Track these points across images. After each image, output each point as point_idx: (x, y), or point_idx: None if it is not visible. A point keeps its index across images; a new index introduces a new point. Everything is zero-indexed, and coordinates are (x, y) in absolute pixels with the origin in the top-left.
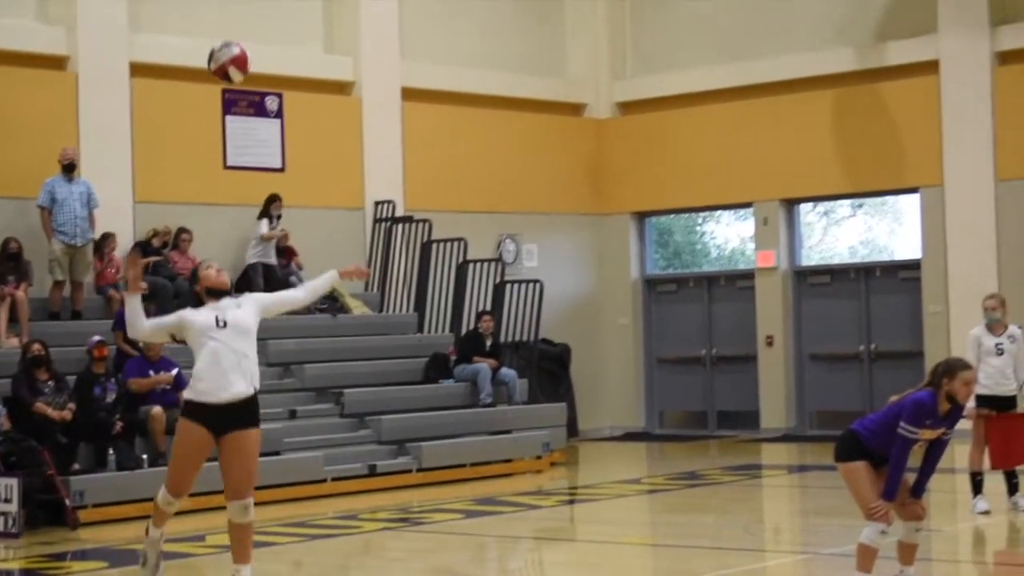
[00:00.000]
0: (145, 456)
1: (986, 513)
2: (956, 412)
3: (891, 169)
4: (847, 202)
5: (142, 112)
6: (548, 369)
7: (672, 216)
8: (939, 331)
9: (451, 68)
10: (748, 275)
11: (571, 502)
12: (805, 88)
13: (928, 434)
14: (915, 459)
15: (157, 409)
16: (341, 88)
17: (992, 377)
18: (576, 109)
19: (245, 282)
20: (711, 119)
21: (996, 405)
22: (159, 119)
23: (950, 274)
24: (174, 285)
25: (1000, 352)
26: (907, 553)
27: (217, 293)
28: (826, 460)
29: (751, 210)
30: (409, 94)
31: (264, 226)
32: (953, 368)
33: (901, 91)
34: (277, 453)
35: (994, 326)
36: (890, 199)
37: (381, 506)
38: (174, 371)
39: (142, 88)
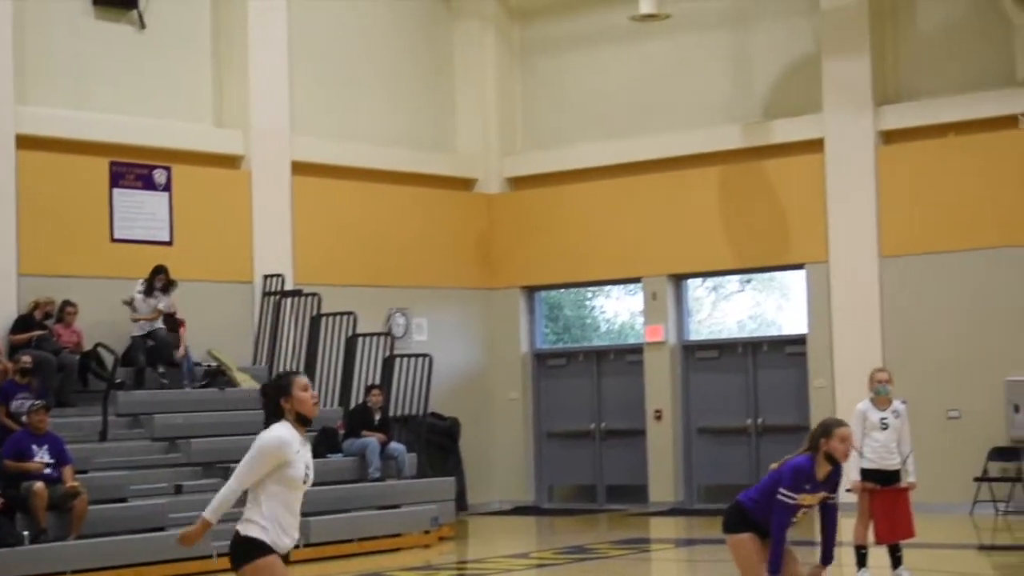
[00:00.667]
0: (26, 533)
1: None
2: (836, 474)
3: (777, 245)
4: (735, 277)
5: (27, 184)
6: (437, 443)
7: (562, 290)
8: (824, 405)
9: (341, 143)
10: (637, 349)
11: None
12: (692, 165)
13: (809, 499)
14: (810, 531)
15: (39, 485)
16: (231, 162)
17: (877, 452)
18: (466, 184)
19: (131, 354)
20: (600, 194)
21: (881, 479)
22: (45, 191)
23: (835, 349)
24: (58, 359)
25: (885, 427)
26: None
27: (307, 423)
28: (714, 533)
29: (640, 285)
30: (299, 168)
31: (139, 298)
32: (829, 427)
33: (787, 168)
34: (162, 529)
35: (879, 400)
36: (777, 275)
37: None
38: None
39: (28, 160)
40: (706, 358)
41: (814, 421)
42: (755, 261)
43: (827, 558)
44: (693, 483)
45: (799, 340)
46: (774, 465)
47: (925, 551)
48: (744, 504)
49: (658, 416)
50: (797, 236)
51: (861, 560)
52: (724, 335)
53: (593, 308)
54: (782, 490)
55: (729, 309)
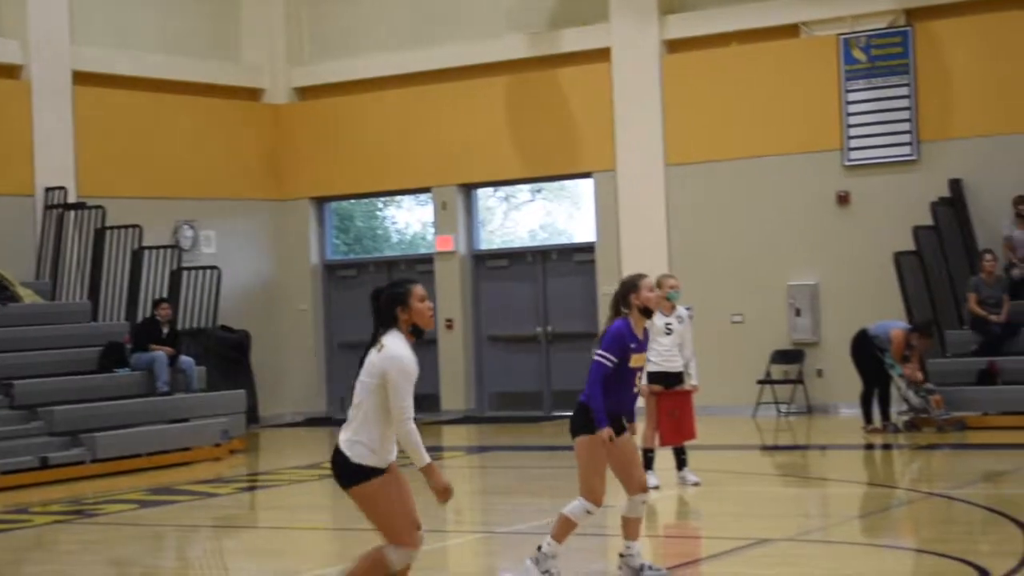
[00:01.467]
0: None
1: (656, 488)
2: (647, 331)
3: (566, 154)
4: (527, 187)
5: None
6: (227, 356)
7: (352, 201)
8: None
9: (123, 52)
10: (428, 259)
11: (251, 489)
12: (480, 74)
13: (639, 359)
14: None
15: None
16: (9, 72)
17: (661, 355)
18: (253, 94)
19: None
20: (388, 105)
21: (665, 382)
22: None
23: (623, 256)
24: None
25: (669, 331)
26: (632, 528)
27: (420, 335)
28: (504, 440)
29: (430, 195)
30: (81, 78)
31: None
32: (633, 283)
33: (574, 78)
34: None
35: (666, 306)
36: (568, 184)
37: (53, 499)
38: None
39: None
40: (496, 267)
41: (603, 327)
42: (544, 170)
43: (630, 416)
44: (484, 391)
45: (588, 248)
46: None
47: (709, 452)
48: (585, 402)
49: (449, 325)
50: (585, 145)
51: (647, 463)
52: (516, 244)
53: (384, 219)
54: (599, 351)
55: (520, 219)
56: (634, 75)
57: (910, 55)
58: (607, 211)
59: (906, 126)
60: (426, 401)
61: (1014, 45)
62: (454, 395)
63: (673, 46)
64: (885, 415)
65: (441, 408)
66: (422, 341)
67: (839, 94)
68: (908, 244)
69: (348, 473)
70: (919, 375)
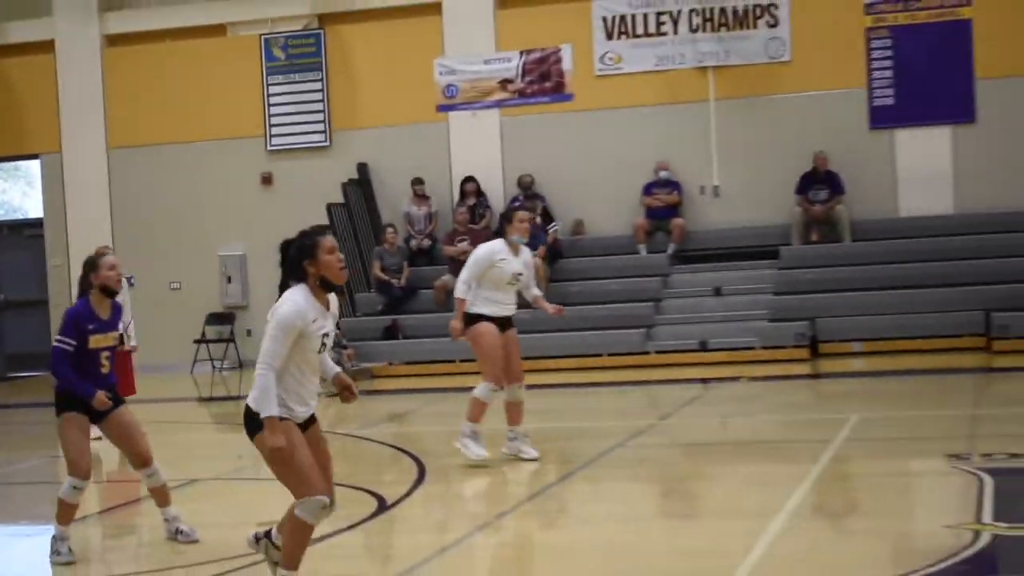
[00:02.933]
0: None
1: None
2: (118, 310)
3: (14, 137)
4: None
5: None
6: None
7: None
8: (61, 282)
9: None
10: None
11: None
12: None
13: (103, 340)
14: None
15: None
16: None
17: None
18: None
19: None
20: None
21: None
22: None
23: (70, 231)
24: None
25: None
26: (162, 496)
27: (331, 289)
28: None
29: None
30: None
31: None
32: (93, 262)
33: (21, 67)
34: None
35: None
36: (23, 164)
37: None
38: None
39: None
40: None
41: (53, 296)
42: None
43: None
44: None
45: (37, 224)
46: None
47: (152, 405)
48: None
49: None
50: (32, 129)
51: None
52: None
53: None
54: (58, 338)
55: None
56: (77, 66)
57: (322, 55)
58: (54, 190)
59: (320, 116)
60: None
61: (409, 48)
62: None
63: (113, 40)
64: None
65: None
66: None
67: (262, 87)
68: (323, 219)
69: (249, 422)
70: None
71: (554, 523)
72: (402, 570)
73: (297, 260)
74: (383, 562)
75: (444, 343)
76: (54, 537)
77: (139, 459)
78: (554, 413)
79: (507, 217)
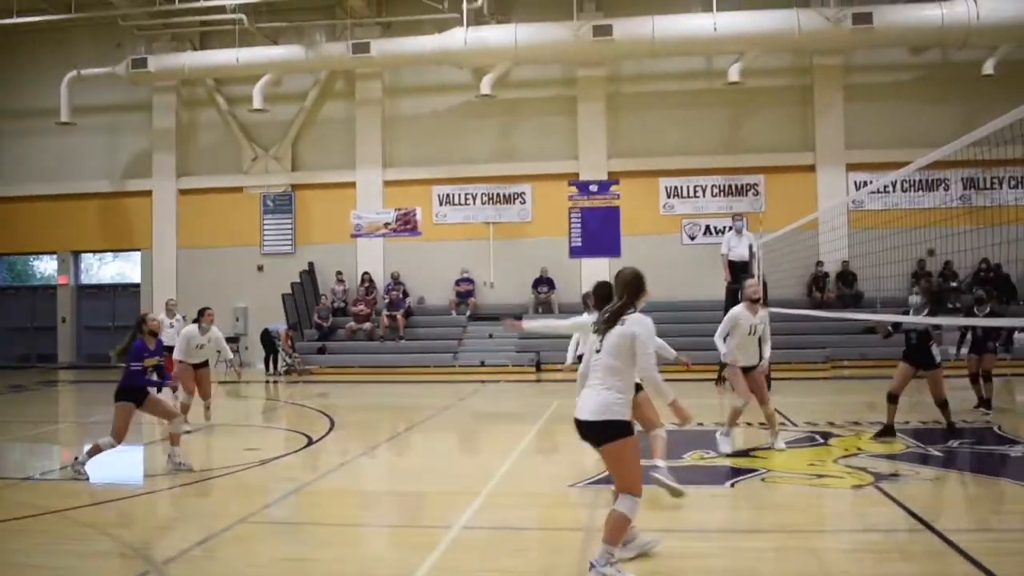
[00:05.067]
0: None
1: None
2: (159, 343)
3: (126, 239)
4: None
5: None
6: None
7: None
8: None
9: None
10: None
11: None
12: None
13: (150, 360)
14: None
15: None
16: None
17: None
18: None
19: None
20: None
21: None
22: None
23: (154, 292)
24: None
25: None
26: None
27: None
28: None
29: None
30: None
31: None
32: (143, 318)
33: (134, 204)
34: None
35: None
36: (132, 254)
37: None
38: None
39: None
40: None
41: None
42: None
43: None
44: None
45: (136, 286)
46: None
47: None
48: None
49: None
50: (137, 235)
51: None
52: None
53: None
54: (130, 360)
55: None
56: (163, 205)
57: (292, 205)
58: (146, 268)
59: (290, 236)
60: None
61: (339, 204)
62: None
63: (183, 192)
64: (274, 370)
65: None
66: None
67: (260, 220)
68: (289, 293)
69: (608, 431)
70: (291, 351)
71: (388, 452)
72: (322, 474)
73: (636, 290)
74: (312, 470)
75: (354, 357)
76: (77, 459)
77: (168, 415)
78: (410, 408)
79: (587, 295)
